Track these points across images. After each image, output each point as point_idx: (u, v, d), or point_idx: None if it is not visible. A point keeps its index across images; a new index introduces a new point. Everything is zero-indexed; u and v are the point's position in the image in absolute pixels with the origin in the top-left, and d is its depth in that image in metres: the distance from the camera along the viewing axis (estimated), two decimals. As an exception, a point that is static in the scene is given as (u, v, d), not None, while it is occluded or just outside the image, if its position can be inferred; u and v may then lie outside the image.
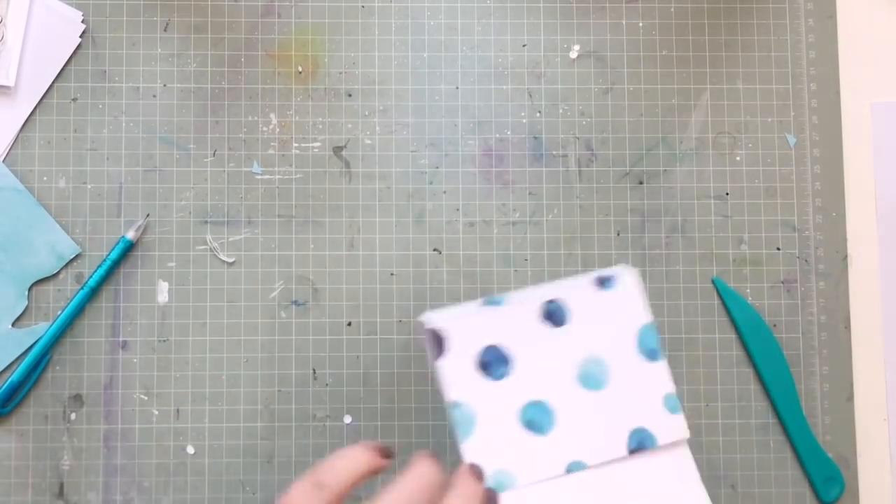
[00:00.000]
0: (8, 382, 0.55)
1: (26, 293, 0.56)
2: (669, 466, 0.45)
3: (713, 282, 0.58)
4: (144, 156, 0.58)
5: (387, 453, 0.43)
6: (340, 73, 0.59)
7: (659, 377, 0.45)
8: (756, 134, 0.59)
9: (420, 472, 0.42)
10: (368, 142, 0.59)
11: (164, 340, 0.57)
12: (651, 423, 0.44)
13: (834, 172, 0.59)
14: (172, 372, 0.57)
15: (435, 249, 0.58)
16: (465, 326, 0.44)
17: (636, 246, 0.58)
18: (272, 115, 0.59)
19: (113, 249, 0.57)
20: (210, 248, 0.58)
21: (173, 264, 0.57)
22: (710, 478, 0.57)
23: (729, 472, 0.57)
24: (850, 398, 0.58)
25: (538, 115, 0.59)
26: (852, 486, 0.57)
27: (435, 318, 0.44)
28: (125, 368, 0.57)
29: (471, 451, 0.43)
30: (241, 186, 0.58)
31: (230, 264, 0.58)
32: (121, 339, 0.57)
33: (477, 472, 0.44)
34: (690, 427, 0.57)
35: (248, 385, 0.57)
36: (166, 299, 0.57)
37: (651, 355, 0.45)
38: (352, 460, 0.42)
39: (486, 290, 0.58)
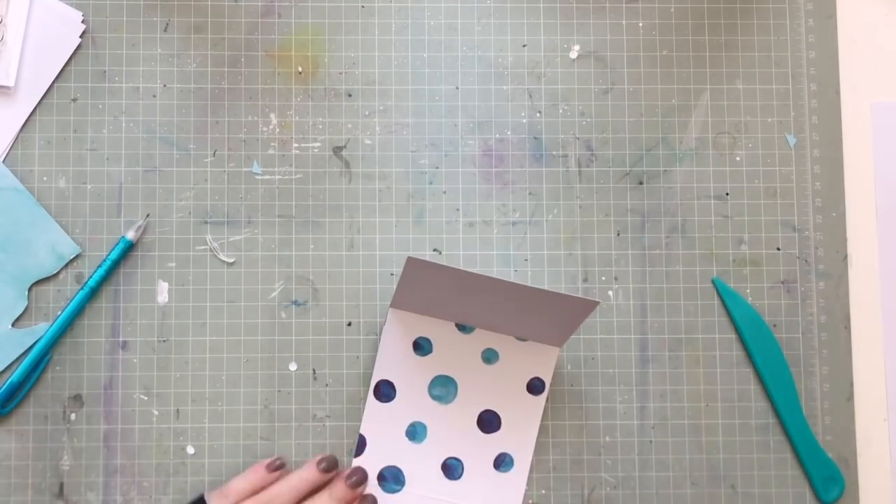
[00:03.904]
0: (8, 382, 0.55)
1: (26, 293, 0.56)
2: None
3: (713, 282, 0.58)
4: (144, 156, 0.58)
5: (277, 466, 0.55)
6: (340, 73, 0.59)
7: None
8: (756, 134, 0.59)
9: (303, 474, 0.54)
10: (368, 142, 0.59)
11: (164, 340, 0.57)
12: None
13: (834, 172, 0.59)
14: (172, 372, 0.57)
15: (435, 249, 0.58)
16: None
17: (636, 246, 0.58)
18: (272, 115, 0.59)
19: (113, 249, 0.57)
20: (210, 248, 0.58)
21: (173, 264, 0.57)
22: (711, 478, 0.57)
23: (729, 472, 0.57)
24: (850, 398, 0.58)
25: (538, 115, 0.59)
26: (852, 486, 0.57)
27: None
28: (125, 368, 0.57)
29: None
30: (241, 186, 0.58)
31: (230, 264, 0.58)
32: (121, 339, 0.57)
33: (356, 477, 0.54)
34: (690, 427, 0.57)
35: (248, 385, 0.57)
36: (166, 299, 0.57)
37: None
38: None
39: (486, 290, 0.58)
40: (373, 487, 0.55)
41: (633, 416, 0.57)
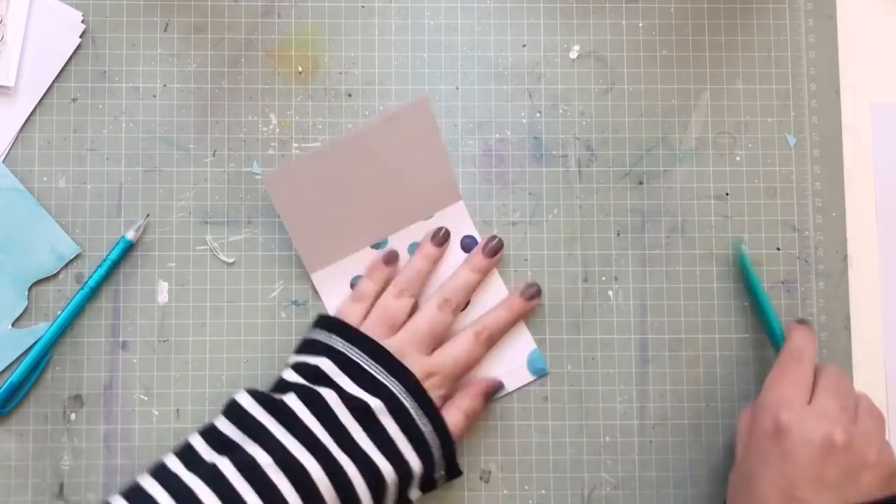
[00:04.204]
0: (8, 382, 0.55)
1: (26, 293, 0.56)
2: None
3: (735, 251, 0.58)
4: (144, 156, 0.58)
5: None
6: (340, 73, 0.59)
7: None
8: (756, 134, 0.59)
9: (424, 251, 0.56)
10: (368, 142, 0.59)
11: (164, 340, 0.57)
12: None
13: (834, 172, 0.59)
14: (172, 372, 0.57)
15: (435, 249, 0.58)
16: None
17: (636, 246, 0.58)
18: (272, 115, 0.59)
19: (113, 249, 0.57)
20: (210, 248, 0.58)
21: (173, 264, 0.57)
22: (711, 479, 0.57)
23: (729, 473, 0.57)
24: (850, 398, 0.58)
25: (538, 115, 0.59)
26: (852, 486, 0.57)
27: None
28: (125, 368, 0.57)
29: None
30: (241, 186, 0.58)
31: (230, 264, 0.58)
32: (121, 339, 0.57)
33: (494, 244, 0.57)
34: (690, 427, 0.57)
35: (248, 385, 0.57)
36: (166, 299, 0.57)
37: (539, 373, 0.57)
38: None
39: (486, 290, 0.58)
40: None
41: (633, 416, 0.57)
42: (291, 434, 0.49)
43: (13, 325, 0.56)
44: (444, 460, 0.52)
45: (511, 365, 0.57)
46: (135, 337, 0.57)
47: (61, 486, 0.56)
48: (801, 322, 0.54)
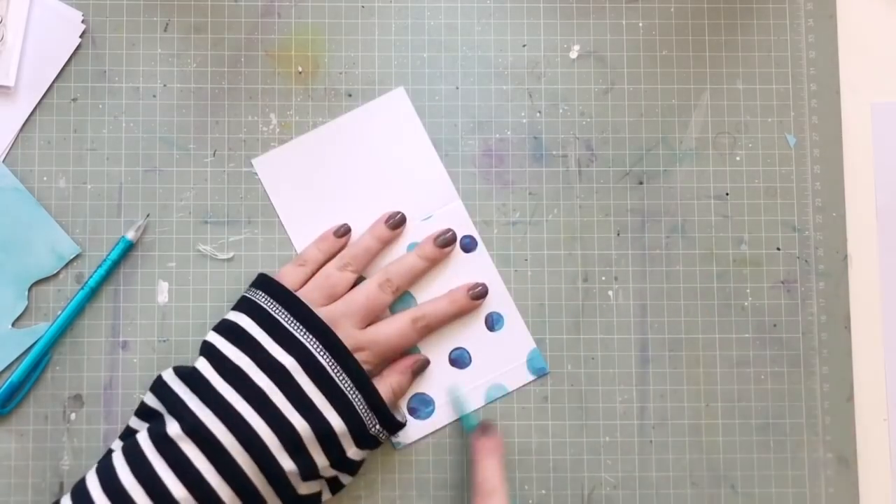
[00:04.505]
0: (8, 382, 0.55)
1: (26, 293, 0.56)
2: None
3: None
4: (144, 156, 0.58)
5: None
6: (340, 73, 0.59)
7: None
8: (756, 134, 0.59)
9: (374, 233, 0.56)
10: (368, 142, 0.59)
11: (164, 340, 0.57)
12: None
13: (834, 172, 0.59)
14: (172, 372, 0.57)
15: (435, 249, 0.58)
16: None
17: (636, 246, 0.58)
18: (272, 115, 0.59)
19: (113, 249, 0.57)
20: (203, 254, 0.58)
21: (173, 264, 0.57)
22: (710, 478, 0.57)
23: (729, 472, 0.57)
24: (850, 398, 0.58)
25: (538, 115, 0.59)
26: (852, 486, 0.57)
27: None
28: (125, 368, 0.57)
29: None
30: (241, 186, 0.58)
31: (230, 265, 0.58)
32: (121, 339, 0.57)
33: (446, 236, 0.56)
34: (690, 427, 0.57)
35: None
36: (166, 299, 0.57)
37: (538, 372, 0.57)
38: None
39: (486, 290, 0.58)
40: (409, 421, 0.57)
41: (633, 416, 0.57)
42: (202, 401, 0.50)
43: (13, 325, 0.56)
44: (375, 414, 0.52)
45: (511, 364, 0.57)
46: (135, 337, 0.57)
47: (61, 486, 0.56)
48: (485, 432, 0.54)
